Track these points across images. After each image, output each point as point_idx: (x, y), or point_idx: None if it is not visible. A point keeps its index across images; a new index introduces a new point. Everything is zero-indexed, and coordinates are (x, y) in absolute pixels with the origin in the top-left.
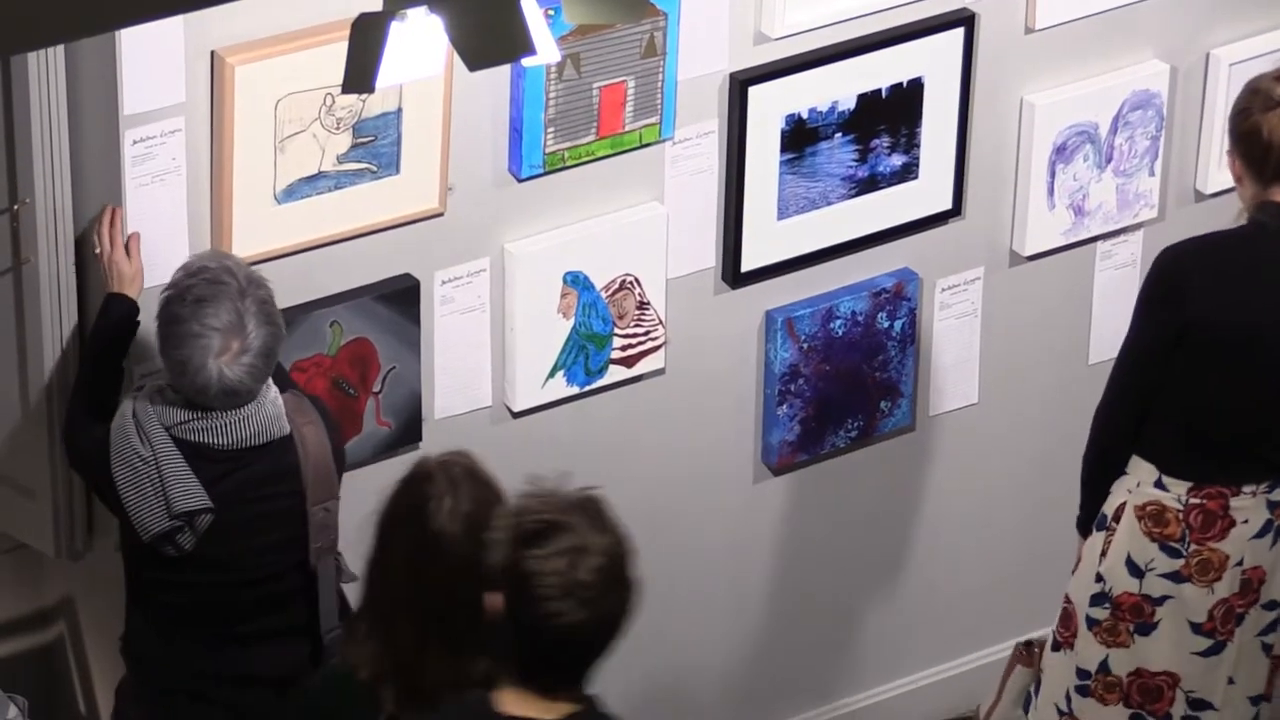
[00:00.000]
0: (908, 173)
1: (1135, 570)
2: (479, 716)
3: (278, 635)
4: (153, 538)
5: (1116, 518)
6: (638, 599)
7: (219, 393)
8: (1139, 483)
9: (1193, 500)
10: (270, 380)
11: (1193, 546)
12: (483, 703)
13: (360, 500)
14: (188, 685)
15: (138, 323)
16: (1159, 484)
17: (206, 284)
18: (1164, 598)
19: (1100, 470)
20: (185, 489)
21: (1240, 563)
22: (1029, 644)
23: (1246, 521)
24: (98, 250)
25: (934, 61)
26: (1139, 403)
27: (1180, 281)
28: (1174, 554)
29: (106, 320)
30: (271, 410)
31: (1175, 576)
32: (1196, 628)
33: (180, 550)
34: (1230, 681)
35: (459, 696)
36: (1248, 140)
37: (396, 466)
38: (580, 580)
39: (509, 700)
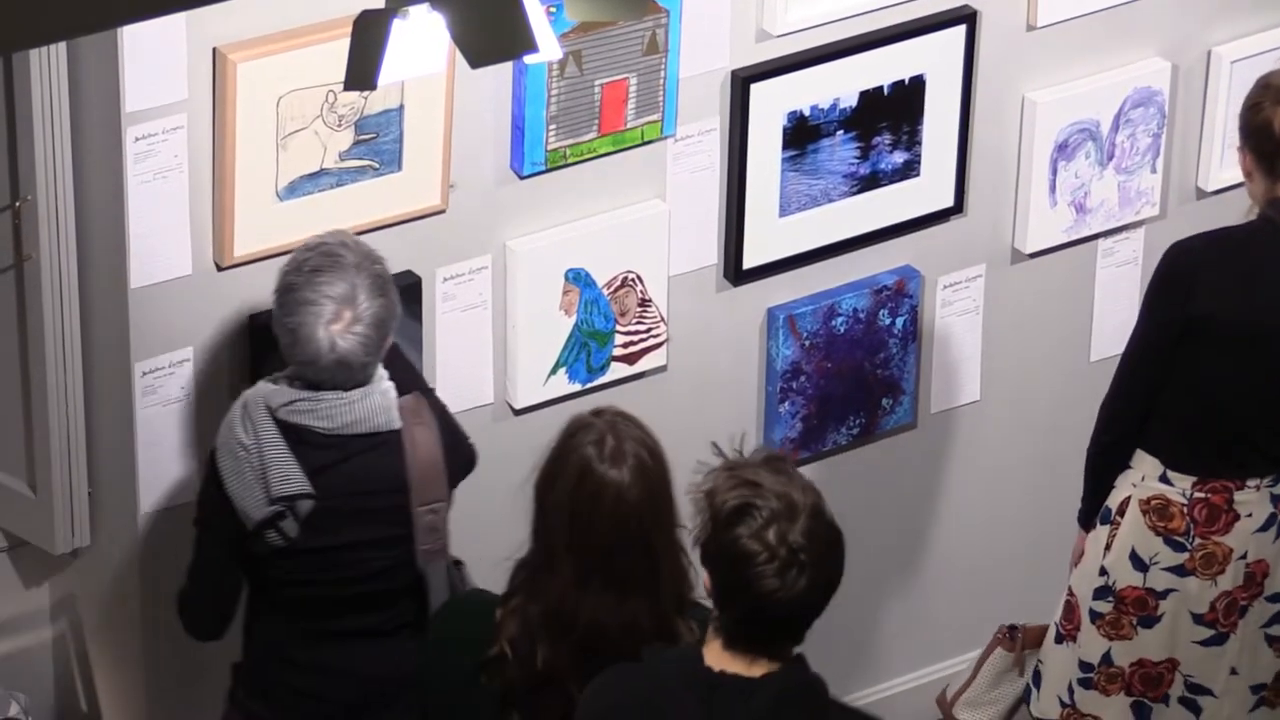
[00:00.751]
0: (909, 170)
1: (1139, 564)
2: (687, 669)
3: (384, 634)
4: (256, 525)
5: (1121, 512)
6: (844, 550)
7: (331, 363)
8: (1144, 477)
9: (1197, 494)
10: (384, 371)
11: (1197, 540)
12: (691, 657)
13: None
14: (294, 680)
15: None
16: (1164, 478)
17: (322, 256)
18: (1167, 591)
19: (1104, 464)
20: (284, 474)
21: (1244, 556)
22: (1013, 628)
23: (1250, 515)
24: None
25: (936, 59)
26: (1144, 397)
27: (1188, 277)
28: (1178, 548)
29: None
30: (380, 400)
31: (1179, 570)
32: (1198, 618)
33: (286, 538)
34: (1233, 671)
35: (618, 639)
36: (1259, 135)
37: None
38: (794, 547)
39: (713, 654)
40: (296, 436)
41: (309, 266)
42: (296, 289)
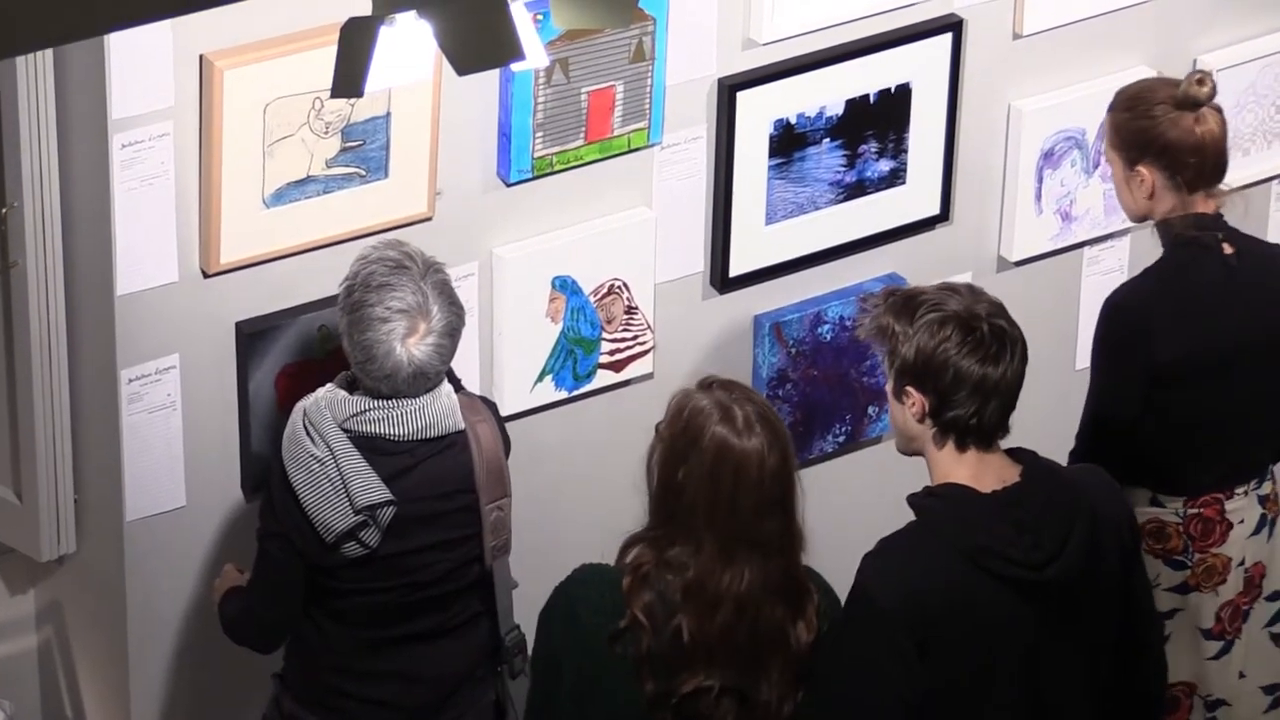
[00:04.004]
0: (895, 178)
1: None
2: (960, 499)
3: (445, 634)
4: (337, 536)
5: None
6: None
7: (410, 375)
8: (1133, 503)
9: (1190, 511)
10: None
11: (1196, 556)
12: (957, 490)
13: None
14: (355, 689)
15: None
16: (1154, 501)
17: (387, 268)
18: (1173, 610)
19: None
20: (366, 483)
21: (1242, 562)
22: None
23: (1243, 522)
24: (217, 597)
25: (922, 67)
26: (1118, 449)
27: (1141, 333)
28: (1178, 566)
29: (235, 596)
30: (446, 403)
31: (1182, 588)
32: (1207, 633)
33: (366, 547)
34: (1241, 675)
35: (759, 601)
36: (1173, 150)
37: None
38: (985, 317)
39: (955, 466)
40: (367, 445)
41: (375, 281)
42: (367, 305)
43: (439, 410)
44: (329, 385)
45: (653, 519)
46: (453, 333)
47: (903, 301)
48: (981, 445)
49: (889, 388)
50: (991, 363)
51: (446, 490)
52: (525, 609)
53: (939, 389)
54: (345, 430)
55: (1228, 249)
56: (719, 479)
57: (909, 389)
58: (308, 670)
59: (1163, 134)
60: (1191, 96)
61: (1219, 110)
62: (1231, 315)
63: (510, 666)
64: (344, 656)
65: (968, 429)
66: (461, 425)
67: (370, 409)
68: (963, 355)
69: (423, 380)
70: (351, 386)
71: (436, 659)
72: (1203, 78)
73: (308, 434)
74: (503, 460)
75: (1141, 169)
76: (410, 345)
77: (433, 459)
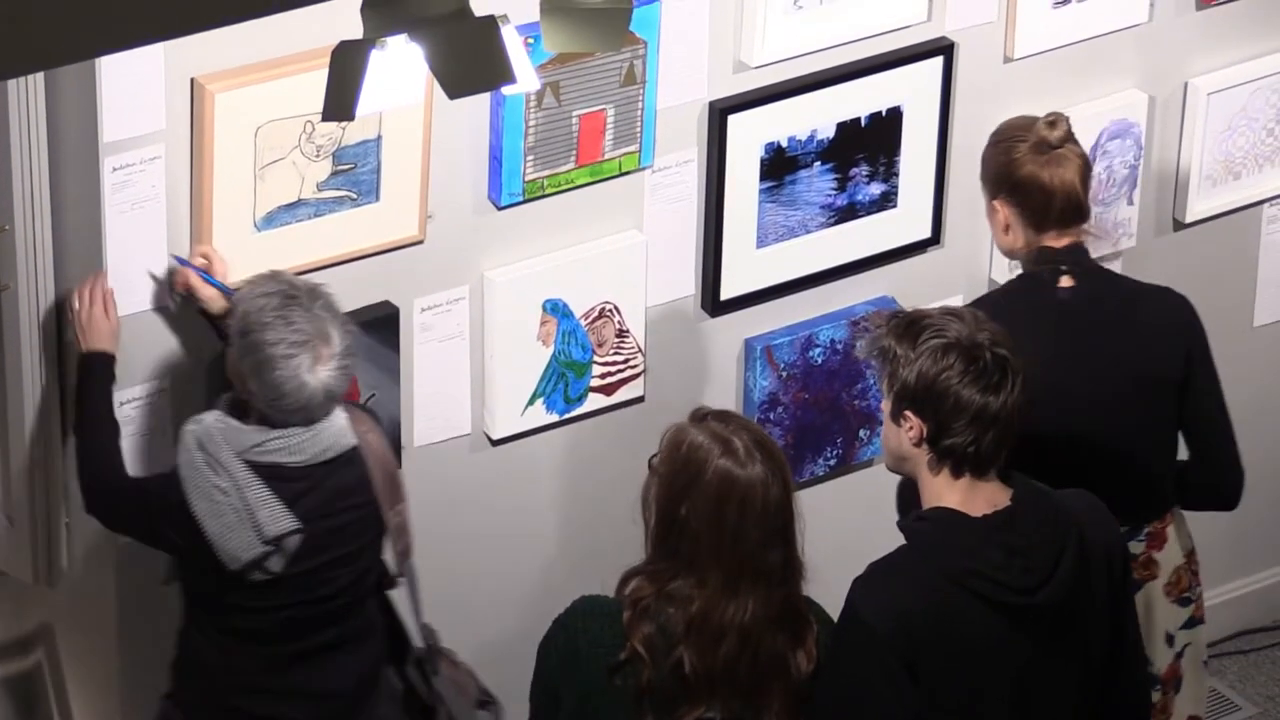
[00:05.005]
0: (886, 201)
1: None
2: (950, 523)
3: (346, 645)
4: (243, 565)
5: None
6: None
7: (323, 402)
8: None
9: None
10: None
11: None
12: (947, 514)
13: None
14: (258, 708)
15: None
16: None
17: (277, 303)
18: None
19: None
20: (272, 513)
21: None
22: None
23: None
24: (76, 308)
25: (913, 90)
26: None
27: None
28: None
29: (96, 378)
30: (339, 423)
31: None
32: None
33: (269, 574)
34: None
35: (761, 632)
36: (1025, 188)
37: None
38: (986, 345)
39: (949, 492)
40: (267, 473)
41: (267, 318)
42: (267, 345)
43: (334, 431)
44: (216, 412)
45: (653, 553)
46: (350, 350)
47: (905, 325)
48: (976, 473)
49: (886, 408)
50: (992, 392)
51: (345, 505)
52: (518, 636)
53: (938, 416)
54: (245, 461)
55: (1066, 282)
56: (724, 512)
57: (908, 413)
58: (204, 690)
59: (1014, 172)
60: (1042, 138)
61: (1080, 155)
62: (1057, 352)
63: (431, 664)
64: (246, 675)
65: (964, 457)
66: (354, 441)
67: (269, 439)
68: (964, 384)
69: (332, 403)
70: (239, 410)
71: (338, 673)
72: (1055, 120)
73: (208, 464)
74: (395, 466)
75: (997, 204)
76: (319, 373)
77: (331, 478)
